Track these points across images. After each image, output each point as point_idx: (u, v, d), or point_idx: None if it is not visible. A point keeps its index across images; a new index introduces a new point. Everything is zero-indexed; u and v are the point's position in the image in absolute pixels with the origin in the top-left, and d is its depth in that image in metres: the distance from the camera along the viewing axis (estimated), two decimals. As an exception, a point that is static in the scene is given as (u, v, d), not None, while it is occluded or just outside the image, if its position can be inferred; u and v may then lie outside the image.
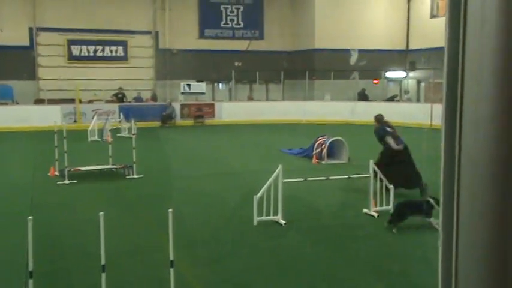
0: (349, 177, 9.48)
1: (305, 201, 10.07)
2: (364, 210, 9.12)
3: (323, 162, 14.35)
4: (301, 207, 9.63)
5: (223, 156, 16.02)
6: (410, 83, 30.48)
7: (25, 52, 27.73)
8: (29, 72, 27.81)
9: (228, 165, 14.28)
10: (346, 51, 29.56)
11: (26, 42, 27.86)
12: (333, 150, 14.83)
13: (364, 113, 26.43)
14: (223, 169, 13.71)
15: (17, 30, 27.46)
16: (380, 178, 9.04)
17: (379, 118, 10.82)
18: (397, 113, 22.46)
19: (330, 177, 9.67)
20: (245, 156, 16.37)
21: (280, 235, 8.11)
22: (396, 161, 10.00)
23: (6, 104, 25.36)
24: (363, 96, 28.30)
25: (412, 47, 31.07)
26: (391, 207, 8.71)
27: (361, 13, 30.56)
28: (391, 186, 9.03)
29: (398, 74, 30.38)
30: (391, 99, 28.62)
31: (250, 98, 30.28)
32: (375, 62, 29.42)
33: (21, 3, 27.44)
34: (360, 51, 29.78)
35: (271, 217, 8.52)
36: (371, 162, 9.08)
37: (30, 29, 27.85)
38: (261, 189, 8.44)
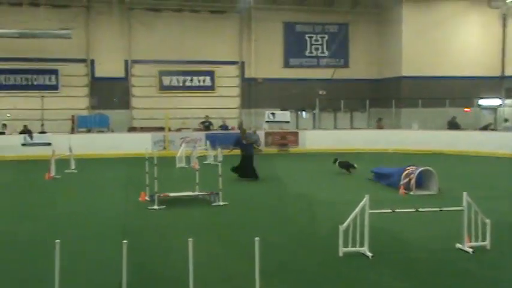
0: (440, 210, 9.08)
1: (393, 233, 9.75)
2: (458, 245, 8.67)
3: (411, 193, 13.87)
4: (388, 239, 9.33)
5: (308, 185, 15.93)
6: (508, 111, 28.88)
7: (120, 83, 29.45)
8: (123, 102, 29.46)
9: (313, 194, 14.18)
10: (435, 79, 28.72)
11: (122, 74, 29.60)
12: (421, 181, 14.30)
13: (455, 142, 25.41)
14: (308, 198, 13.62)
15: (114, 63, 29.31)
16: (475, 211, 8.59)
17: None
18: (493, 143, 21.36)
19: (420, 209, 9.31)
20: (330, 185, 16.19)
21: (366, 267, 7.88)
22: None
23: (103, 131, 26.92)
24: (453, 125, 27.21)
25: (508, 73, 29.60)
26: (487, 242, 8.23)
27: (451, 39, 29.66)
28: (488, 221, 8.55)
29: (493, 101, 28.94)
30: (485, 128, 27.26)
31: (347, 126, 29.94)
32: (466, 89, 28.31)
33: (119, 38, 29.27)
34: (450, 78, 28.83)
35: (358, 248, 8.32)
36: (465, 194, 8.66)
37: (126, 62, 29.57)
38: (346, 219, 8.30)
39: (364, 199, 8.28)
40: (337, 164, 18.54)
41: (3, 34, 26.63)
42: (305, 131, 28.49)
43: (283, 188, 15.47)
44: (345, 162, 18.52)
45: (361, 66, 31.44)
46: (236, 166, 16.95)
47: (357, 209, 8.29)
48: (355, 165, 18.16)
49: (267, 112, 27.86)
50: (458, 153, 24.64)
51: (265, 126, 28.32)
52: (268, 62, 30.90)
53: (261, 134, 27.17)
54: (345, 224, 8.27)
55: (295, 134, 27.91)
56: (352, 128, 30.27)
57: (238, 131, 27.94)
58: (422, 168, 14.21)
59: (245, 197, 13.94)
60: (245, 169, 16.80)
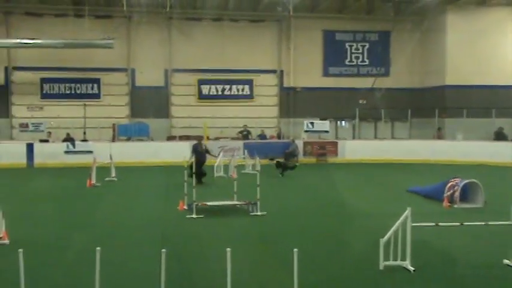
0: (486, 224, 8.82)
1: (436, 247, 9.52)
2: (505, 261, 8.39)
3: (455, 206, 13.53)
4: (431, 254, 9.11)
5: (347, 196, 15.77)
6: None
7: (160, 92, 29.97)
8: (163, 111, 29.94)
9: (352, 205, 14.02)
10: (480, 88, 28.04)
11: (162, 83, 30.11)
12: (466, 194, 13.93)
13: (502, 154, 24.71)
14: (348, 209, 13.48)
15: (154, 72, 29.87)
16: (523, 226, 8.30)
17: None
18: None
19: (465, 223, 9.06)
20: (370, 196, 15.97)
21: (408, 282, 7.71)
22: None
23: (142, 140, 27.40)
24: (500, 136, 26.45)
25: (557, 82, 28.66)
26: (536, 259, 7.92)
27: (496, 47, 28.93)
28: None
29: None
30: (533, 139, 26.43)
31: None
32: (512, 99, 27.55)
33: (159, 48, 29.81)
34: (495, 87, 28.11)
35: (399, 262, 8.16)
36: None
37: (165, 71, 30.08)
38: (387, 231, 8.15)
39: (406, 212, 8.12)
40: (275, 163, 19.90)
41: (49, 44, 27.51)
42: (344, 140, 28.24)
43: (322, 199, 15.36)
44: (282, 163, 19.61)
45: (402, 75, 31.01)
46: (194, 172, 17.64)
47: (399, 222, 8.14)
48: (295, 165, 18.97)
49: (306, 121, 27.77)
50: (504, 165, 23.93)
51: (304, 136, 28.21)
52: (307, 71, 30.85)
53: (299, 144, 27.08)
54: (386, 237, 8.12)
55: (334, 144, 27.70)
56: (393, 138, 29.82)
57: (277, 140, 27.96)
58: (467, 181, 13.85)
59: (283, 207, 13.89)
60: (198, 175, 17.53)
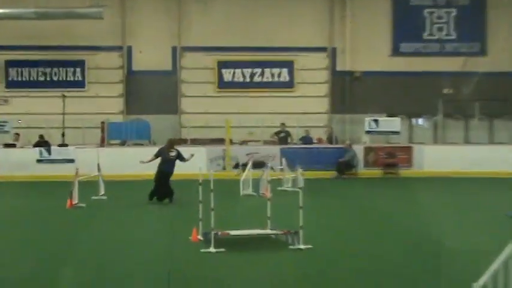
0: None
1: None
2: None
3: None
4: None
5: (425, 223, 15.57)
6: None
7: (166, 78, 30.27)
8: (170, 104, 30.16)
9: (431, 236, 13.83)
10: None
11: (168, 66, 30.39)
12: None
13: None
14: (425, 242, 13.31)
15: (158, 52, 30.20)
16: None
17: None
18: None
19: None
20: (457, 223, 15.75)
21: None
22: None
23: (142, 144, 27.63)
24: None
25: None
26: None
27: None
28: None
29: None
30: None
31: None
32: None
33: (165, 18, 30.15)
34: None
35: (500, 317, 8.02)
36: None
37: (174, 49, 30.37)
38: (481, 273, 8.03)
39: (509, 247, 7.98)
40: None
41: (16, 15, 28.06)
42: (422, 145, 27.99)
43: (390, 228, 15.19)
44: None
45: (505, 54, 30.55)
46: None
47: (499, 261, 8.01)
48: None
49: (368, 119, 27.54)
50: None
51: (365, 139, 28.05)
52: (370, 49, 30.72)
53: (358, 150, 26.91)
54: (481, 280, 8.01)
55: (408, 150, 27.47)
56: (491, 142, 29.37)
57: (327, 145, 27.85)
58: None
59: (336, 238, 13.80)
60: (157, 188, 18.73)
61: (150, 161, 19.02)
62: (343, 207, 18.86)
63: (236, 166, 21.43)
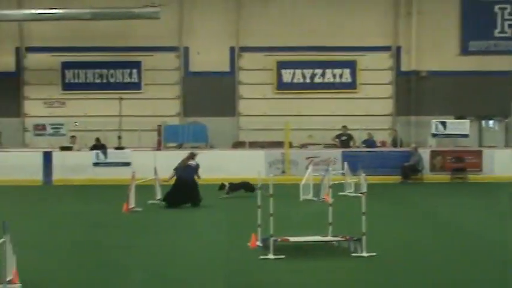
0: None
1: None
2: None
3: None
4: None
5: (496, 232, 15.25)
6: None
7: (224, 80, 30.44)
8: (227, 107, 30.33)
9: (502, 244, 13.53)
10: None
11: (226, 67, 30.57)
12: None
13: None
14: (496, 252, 13.03)
15: (215, 52, 30.41)
16: None
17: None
18: None
19: None
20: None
21: None
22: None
23: (199, 147, 27.81)
24: None
25: None
26: None
27: None
28: None
29: None
30: None
31: None
32: None
33: (223, 18, 30.31)
34: None
35: None
36: None
37: (231, 50, 30.49)
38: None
39: None
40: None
41: (72, 15, 28.59)
42: (493, 149, 27.48)
43: (458, 237, 14.94)
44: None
45: None
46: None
47: None
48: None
49: (435, 121, 27.22)
50: None
51: (432, 142, 27.68)
52: (437, 47, 30.32)
53: (425, 153, 26.57)
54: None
55: (478, 154, 27.02)
56: None
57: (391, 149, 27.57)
58: None
59: (400, 246, 13.63)
60: (170, 192, 19.39)
61: (172, 176, 19.92)
62: (408, 213, 18.64)
63: (222, 187, 21.27)
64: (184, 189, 19.28)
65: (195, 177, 19.61)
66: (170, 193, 19.29)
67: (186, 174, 19.40)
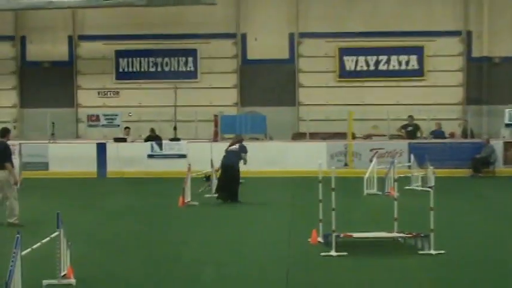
0: None
1: None
2: None
3: None
4: None
5: None
6: None
7: (283, 68, 30.51)
8: (287, 96, 30.37)
9: None
10: None
11: (285, 55, 30.62)
12: None
13: None
14: None
15: (274, 39, 30.51)
16: None
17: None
18: None
19: None
20: None
21: None
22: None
23: (257, 139, 27.96)
24: None
25: None
26: None
27: None
28: None
29: None
30: None
31: None
32: None
33: (281, 4, 30.43)
34: None
35: None
36: None
37: (291, 36, 30.54)
38: None
39: None
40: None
41: (126, 2, 28.99)
42: None
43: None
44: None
45: None
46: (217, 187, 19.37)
47: None
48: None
49: (508, 110, 26.77)
50: None
51: (505, 133, 27.25)
52: (510, 32, 29.74)
53: (497, 145, 26.19)
54: None
55: (557, 146, 26.50)
56: None
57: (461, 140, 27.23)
58: None
59: (470, 243, 13.49)
60: (219, 183, 19.15)
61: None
62: (480, 209, 18.41)
63: (207, 179, 20.66)
64: (225, 178, 18.96)
65: (240, 162, 19.09)
66: (217, 185, 19.28)
67: (227, 160, 19.05)
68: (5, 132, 15.37)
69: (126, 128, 29.00)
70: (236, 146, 19.17)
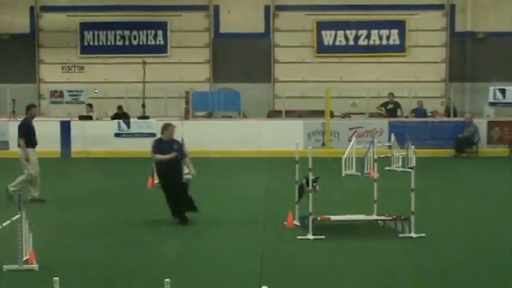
0: None
1: None
2: None
3: None
4: None
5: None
6: None
7: (258, 42, 30.41)
8: (262, 72, 30.32)
9: None
10: None
11: (261, 28, 30.54)
12: None
13: None
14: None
15: (248, 11, 30.47)
16: None
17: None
18: None
19: None
20: None
21: None
22: None
23: (230, 117, 27.93)
24: None
25: None
26: None
27: None
28: None
29: None
30: None
31: None
32: None
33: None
34: None
35: None
36: None
37: (267, 8, 30.46)
38: None
39: None
40: None
41: (92, -29, 28.70)
42: (558, 120, 27.16)
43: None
44: None
45: None
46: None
47: None
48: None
49: (492, 88, 26.94)
50: None
51: (489, 112, 27.42)
52: (496, 5, 29.96)
53: (481, 124, 26.37)
54: None
55: (541, 125, 26.74)
56: None
57: (443, 119, 27.35)
58: None
59: (452, 226, 13.62)
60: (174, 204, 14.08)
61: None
62: (462, 190, 18.57)
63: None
64: (171, 191, 14.25)
65: (183, 168, 15.00)
66: (168, 204, 14.04)
67: (171, 169, 14.21)
68: (28, 108, 17.10)
69: (89, 104, 28.62)
70: (172, 145, 14.94)
